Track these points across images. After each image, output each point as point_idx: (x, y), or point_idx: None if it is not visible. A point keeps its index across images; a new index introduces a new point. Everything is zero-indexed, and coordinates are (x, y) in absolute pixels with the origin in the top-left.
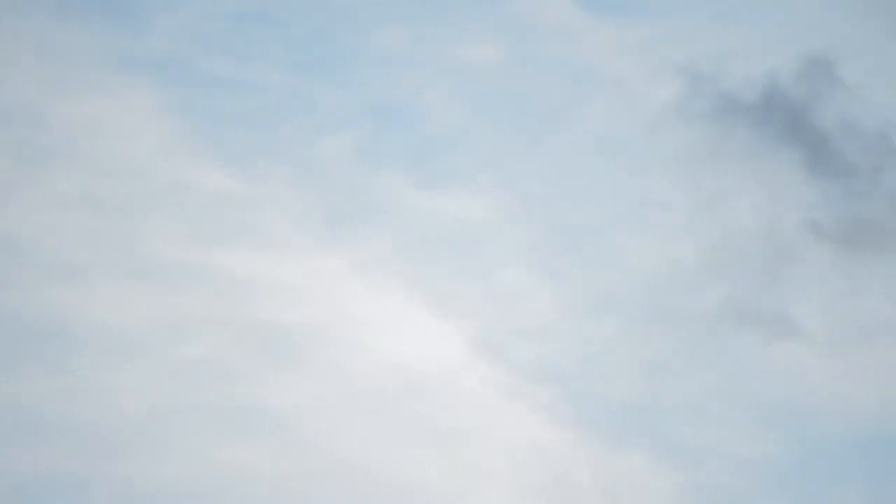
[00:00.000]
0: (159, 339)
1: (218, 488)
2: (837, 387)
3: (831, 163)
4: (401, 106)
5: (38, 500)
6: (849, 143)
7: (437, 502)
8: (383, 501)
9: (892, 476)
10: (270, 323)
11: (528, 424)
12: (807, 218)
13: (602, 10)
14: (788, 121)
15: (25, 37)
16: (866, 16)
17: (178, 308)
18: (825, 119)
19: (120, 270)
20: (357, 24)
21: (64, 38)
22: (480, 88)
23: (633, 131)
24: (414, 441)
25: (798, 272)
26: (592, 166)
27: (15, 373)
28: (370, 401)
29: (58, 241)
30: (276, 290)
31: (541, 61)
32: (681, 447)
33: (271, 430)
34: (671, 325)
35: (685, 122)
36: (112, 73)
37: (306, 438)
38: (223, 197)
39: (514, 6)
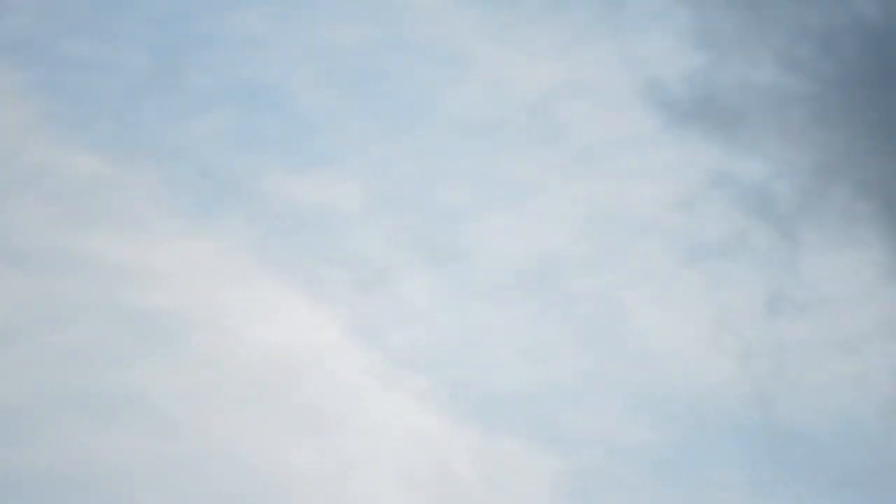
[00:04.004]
0: (29, 327)
1: (92, 477)
2: (714, 373)
3: None
4: (267, 88)
5: None
6: None
7: (314, 490)
8: (259, 489)
9: (770, 462)
10: (142, 309)
11: (405, 411)
12: None
13: None
14: None
15: None
16: None
17: (46, 294)
18: None
19: None
20: (220, 4)
21: None
22: (348, 70)
23: (506, 115)
24: (289, 428)
25: None
26: (463, 150)
27: None
28: (244, 387)
29: None
30: (146, 275)
31: (409, 43)
32: (559, 434)
33: (146, 418)
34: (548, 309)
35: (561, 105)
36: None
37: (181, 426)
38: (89, 180)
39: None
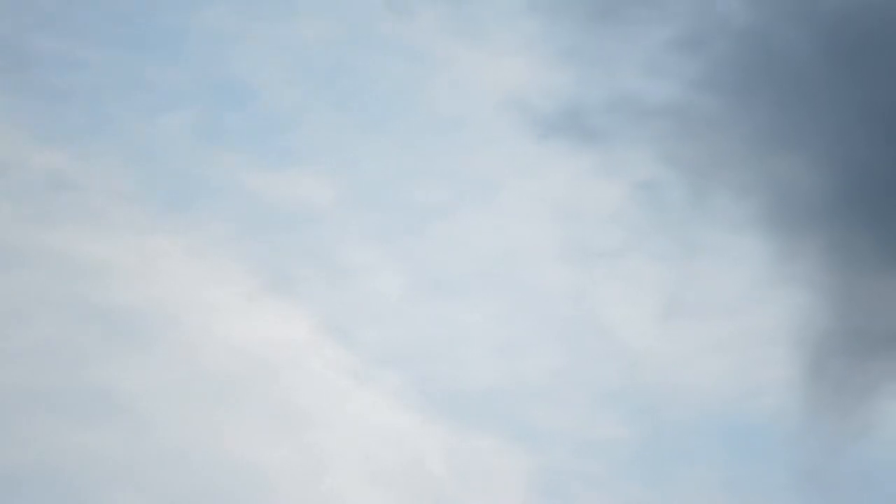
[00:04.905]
0: None
1: (63, 474)
2: (684, 370)
3: None
4: (235, 84)
5: None
6: None
7: (286, 486)
8: (231, 486)
9: (740, 458)
10: (112, 306)
11: (377, 408)
12: None
13: None
14: None
15: None
16: None
17: (15, 290)
18: None
19: None
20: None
21: None
22: (318, 67)
23: (473, 111)
24: (261, 425)
25: None
26: (434, 146)
27: None
28: (216, 384)
29: None
30: (116, 272)
31: (376, 40)
32: (531, 431)
33: (117, 415)
34: (518, 306)
35: (526, 103)
36: None
37: (153, 423)
38: (56, 177)
39: None
